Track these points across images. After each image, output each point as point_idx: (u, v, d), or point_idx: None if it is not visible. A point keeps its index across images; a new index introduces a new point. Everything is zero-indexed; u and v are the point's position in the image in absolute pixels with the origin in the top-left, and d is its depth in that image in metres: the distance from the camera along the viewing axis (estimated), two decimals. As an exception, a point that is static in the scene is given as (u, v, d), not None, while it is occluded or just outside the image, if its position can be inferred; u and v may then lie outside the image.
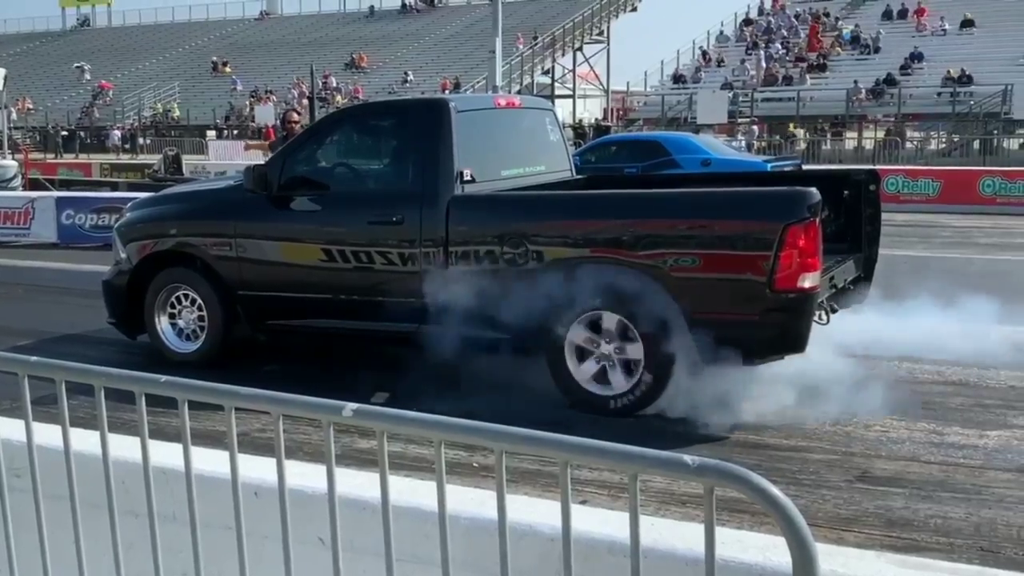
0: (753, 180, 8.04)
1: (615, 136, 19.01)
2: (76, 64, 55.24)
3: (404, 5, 58.76)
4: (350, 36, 55.51)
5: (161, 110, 48.55)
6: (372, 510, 2.19)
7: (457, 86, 43.94)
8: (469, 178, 6.40)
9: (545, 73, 49.55)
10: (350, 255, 6.59)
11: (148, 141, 43.03)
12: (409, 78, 46.92)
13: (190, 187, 8.60)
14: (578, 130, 33.91)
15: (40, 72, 56.04)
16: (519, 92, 46.71)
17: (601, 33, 51.47)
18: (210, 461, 2.60)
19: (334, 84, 47.57)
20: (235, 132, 42.67)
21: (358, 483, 2.64)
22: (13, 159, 15.40)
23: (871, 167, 7.93)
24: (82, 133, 46.17)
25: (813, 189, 5.49)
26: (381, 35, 54.93)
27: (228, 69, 52.67)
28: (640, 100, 39.40)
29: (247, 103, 46.47)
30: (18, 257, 12.81)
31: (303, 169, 6.93)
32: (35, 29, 65.77)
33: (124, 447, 2.55)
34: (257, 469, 2.64)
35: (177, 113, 47.53)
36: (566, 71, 51.52)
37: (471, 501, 2.56)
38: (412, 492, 2.63)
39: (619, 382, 5.81)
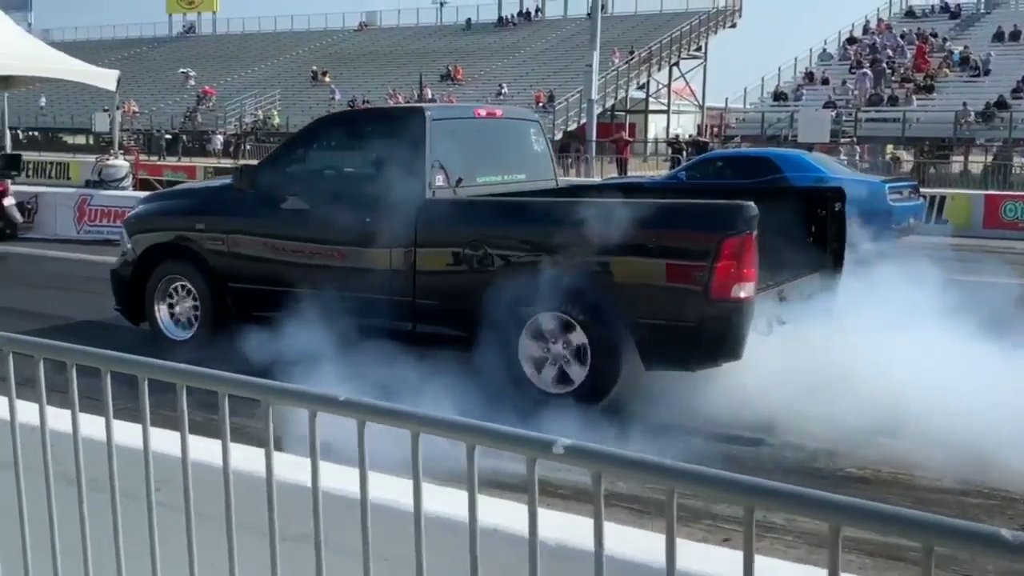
0: (711, 194, 7.94)
1: (722, 152, 18.66)
2: (181, 70, 56.74)
3: (501, 18, 59.03)
4: (447, 48, 55.96)
5: (262, 117, 49.47)
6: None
7: (551, 99, 43.92)
8: (441, 183, 6.75)
9: (640, 88, 49.25)
10: (327, 253, 7.03)
11: (249, 147, 43.87)
12: (503, 90, 47.05)
13: (191, 185, 8.95)
14: (675, 145, 33.49)
15: (146, 77, 57.66)
16: (612, 106, 46.65)
17: (699, 49, 50.99)
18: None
19: (429, 95, 47.96)
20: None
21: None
22: (124, 160, 15.71)
23: (837, 187, 8.05)
24: (185, 137, 47.34)
25: (751, 203, 5.71)
26: (477, 47, 55.28)
27: (327, 78, 53.51)
28: (738, 117, 38.77)
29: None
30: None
31: (290, 170, 7.39)
32: (143, 35, 67.81)
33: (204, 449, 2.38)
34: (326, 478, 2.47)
35: (277, 120, 48.39)
36: (660, 86, 51.13)
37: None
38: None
39: (577, 374, 6.07)
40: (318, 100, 51.03)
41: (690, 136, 39.86)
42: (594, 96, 33.26)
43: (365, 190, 7.02)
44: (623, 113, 50.06)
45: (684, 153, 30.08)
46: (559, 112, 42.19)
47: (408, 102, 47.22)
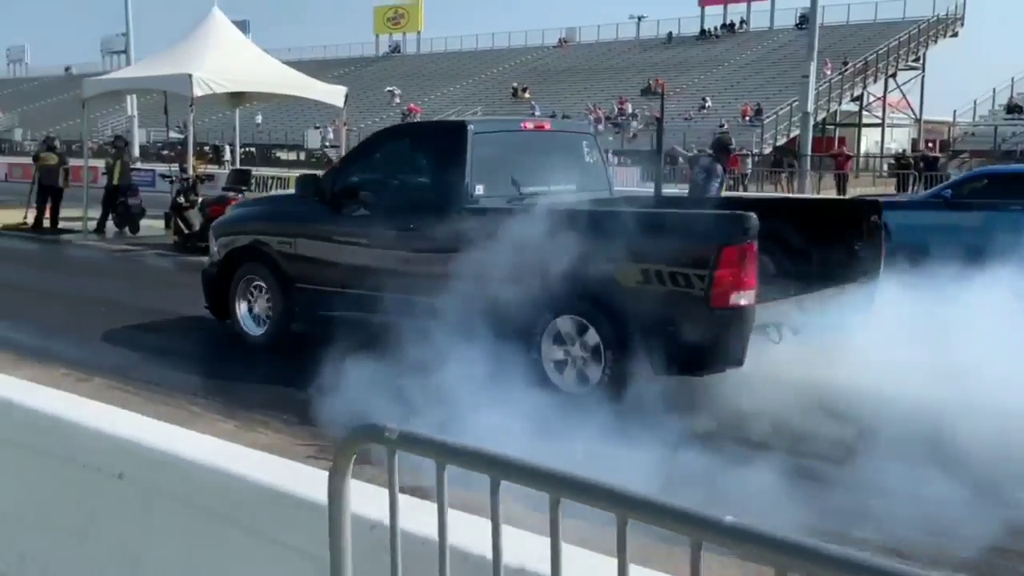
0: (729, 205, 8.02)
1: (988, 169, 17.01)
2: (387, 88, 58.34)
3: (703, 31, 57.73)
4: (647, 62, 55.14)
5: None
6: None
7: (759, 112, 42.38)
8: (481, 192, 7.03)
9: (854, 100, 46.89)
10: (380, 257, 7.43)
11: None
12: (707, 104, 45.84)
13: (270, 194, 9.68)
14: (902, 161, 31.34)
15: (355, 95, 59.17)
16: (823, 119, 44.53)
17: (917, 59, 48.12)
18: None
19: (630, 110, 47.30)
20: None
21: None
22: None
23: (874, 199, 8.04)
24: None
25: (751, 214, 5.82)
26: (679, 61, 54.23)
27: (527, 95, 53.72)
28: (966, 131, 36.08)
29: (545, 127, 46.98)
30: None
31: (349, 180, 7.84)
32: (351, 55, 70.28)
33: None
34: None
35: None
36: (872, 98, 48.50)
37: None
38: None
39: (594, 374, 6.26)
40: (520, 116, 51.30)
41: (912, 152, 37.38)
42: (810, 108, 31.61)
43: (412, 198, 7.52)
44: (832, 127, 47.77)
45: (910, 169, 28.06)
46: (767, 126, 40.60)
47: (607, 117, 46.88)
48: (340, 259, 7.77)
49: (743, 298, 5.82)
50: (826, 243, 6.96)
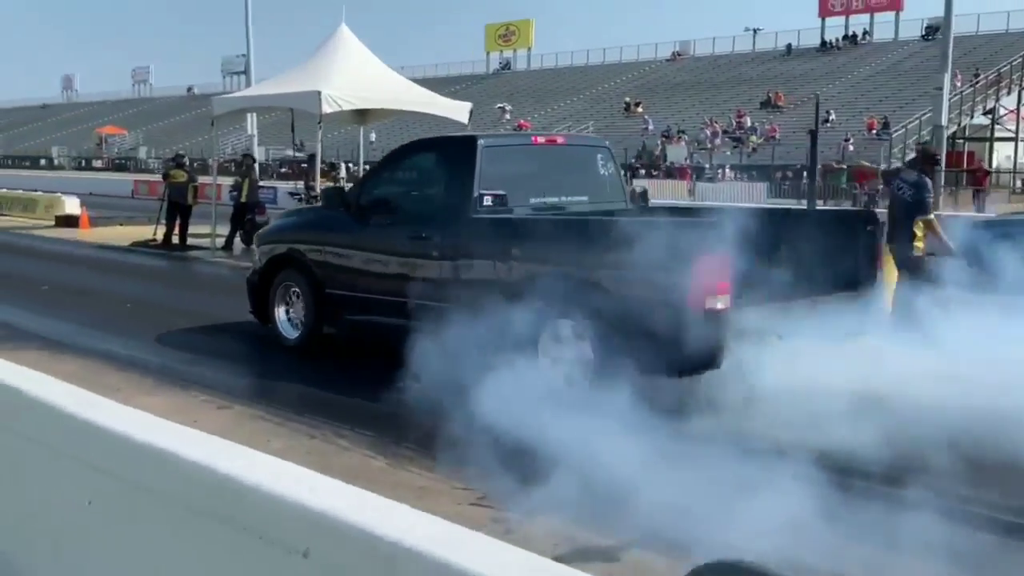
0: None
1: None
2: (498, 105, 58.31)
3: (824, 42, 56.13)
4: (765, 75, 53.86)
5: (575, 148, 49.50)
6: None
7: (886, 125, 40.80)
8: (489, 202, 7.35)
9: (986, 113, 44.74)
10: (397, 264, 7.90)
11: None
12: (831, 117, 44.30)
13: (307, 206, 9.84)
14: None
15: (466, 112, 59.67)
16: (954, 133, 42.55)
17: (1057, 69, 45.65)
18: None
19: (748, 124, 46.13)
20: (650, 171, 42.39)
21: None
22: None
23: (869, 210, 8.53)
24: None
25: (726, 223, 6.09)
26: (798, 73, 52.77)
27: (640, 109, 52.99)
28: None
29: (659, 142, 46.23)
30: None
31: (372, 192, 8.32)
32: (463, 72, 70.64)
33: None
34: None
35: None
36: (1005, 111, 46.17)
37: None
38: None
39: (584, 373, 6.51)
40: (632, 131, 50.59)
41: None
42: (944, 121, 30.08)
43: (427, 208, 7.86)
44: (963, 141, 45.66)
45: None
46: (896, 139, 39.00)
47: (724, 131, 45.80)
48: (363, 266, 8.28)
49: (719, 303, 6.15)
50: (821, 252, 6.96)
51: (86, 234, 21.07)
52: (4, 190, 29.74)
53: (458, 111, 16.56)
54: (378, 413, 6.66)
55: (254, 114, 21.60)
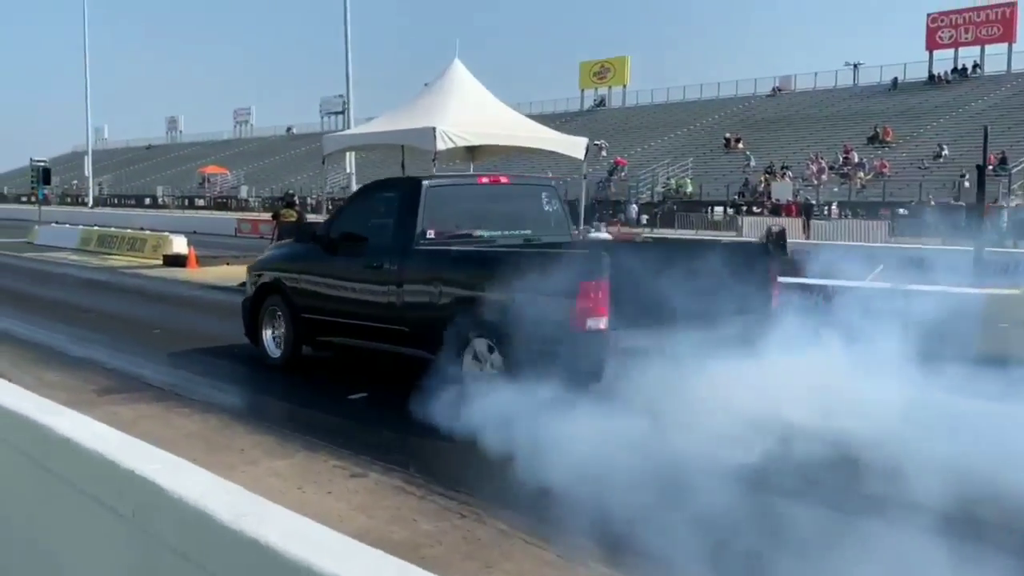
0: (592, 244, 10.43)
1: None
2: (595, 142, 57.72)
3: (932, 76, 54.30)
4: (869, 110, 52.29)
5: (674, 185, 48.72)
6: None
7: (1003, 161, 38.92)
8: (432, 236, 8.41)
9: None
10: (356, 290, 8.87)
11: (661, 214, 43.10)
12: (943, 152, 42.62)
13: (291, 241, 10.76)
14: None
15: (562, 149, 59.23)
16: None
17: None
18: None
19: (856, 159, 44.62)
20: (751, 208, 41.22)
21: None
22: (606, 231, 14.25)
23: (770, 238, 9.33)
24: (596, 204, 47.59)
25: (604, 254, 7.19)
26: (905, 108, 51.03)
27: (741, 145, 51.86)
28: None
29: (761, 179, 45.02)
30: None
31: (337, 227, 9.27)
32: (556, 110, 70.35)
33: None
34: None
35: (690, 188, 47.34)
36: None
37: None
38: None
39: (499, 385, 6.89)
40: (732, 167, 49.48)
41: None
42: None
43: (381, 241, 8.72)
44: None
45: None
46: (1015, 175, 37.20)
47: (831, 167, 44.38)
48: (329, 292, 9.29)
49: (599, 323, 6.94)
50: (714, 280, 7.30)
51: (194, 273, 20.94)
52: (113, 228, 30.15)
53: (574, 147, 15.96)
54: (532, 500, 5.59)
55: (353, 152, 21.30)
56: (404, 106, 16.49)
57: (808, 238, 30.15)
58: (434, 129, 14.04)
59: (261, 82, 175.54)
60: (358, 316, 8.77)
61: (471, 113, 15.01)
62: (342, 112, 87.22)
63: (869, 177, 42.72)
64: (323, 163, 16.45)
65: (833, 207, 39.17)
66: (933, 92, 52.69)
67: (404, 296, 8.31)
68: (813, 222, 34.58)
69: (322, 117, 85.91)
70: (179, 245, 24.19)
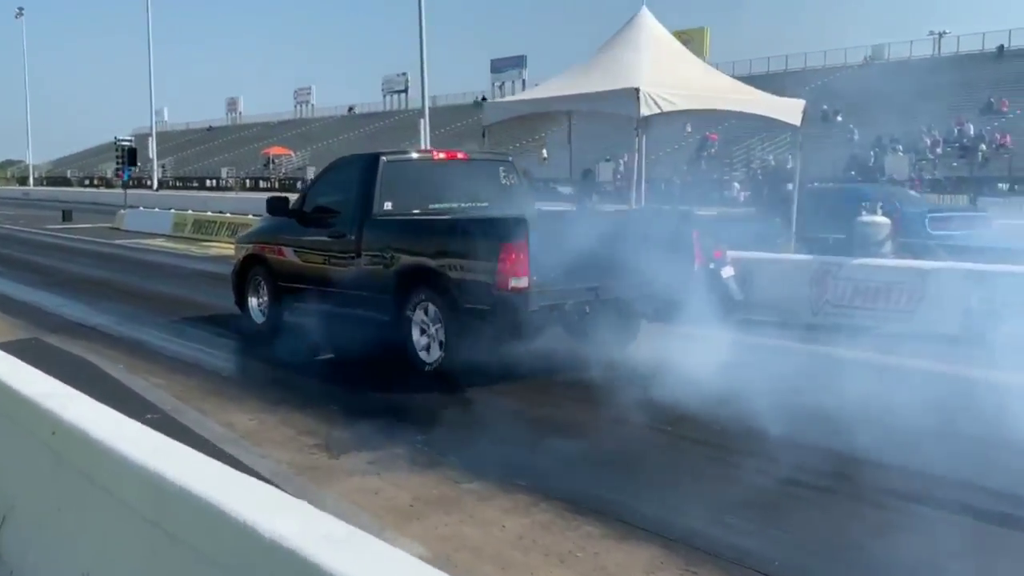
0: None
1: None
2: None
3: (1043, 42, 50.96)
4: (974, 79, 49.02)
5: (773, 161, 46.05)
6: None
7: None
8: (389, 207, 9.12)
9: None
10: (323, 260, 9.62)
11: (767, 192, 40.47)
12: (1072, 122, 39.57)
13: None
14: None
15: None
16: None
17: None
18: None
19: (972, 131, 41.68)
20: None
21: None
22: (883, 217, 11.67)
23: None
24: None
25: (523, 217, 7.85)
26: (1015, 76, 47.75)
27: (840, 118, 49.00)
28: None
29: (871, 153, 42.28)
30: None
31: (308, 200, 10.10)
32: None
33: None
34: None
35: (790, 164, 44.60)
36: None
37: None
38: None
39: (435, 352, 8.29)
40: (833, 141, 46.62)
41: None
42: None
43: (345, 212, 9.38)
44: None
45: None
46: None
47: (945, 140, 41.50)
48: (301, 262, 9.92)
49: (520, 282, 7.58)
50: (636, 245, 8.04)
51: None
52: (210, 213, 28.12)
53: (790, 111, 13.66)
54: None
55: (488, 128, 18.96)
56: (579, 67, 14.15)
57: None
58: (637, 91, 11.79)
59: (321, 61, 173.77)
60: (326, 284, 9.35)
61: (673, 72, 12.71)
62: (405, 91, 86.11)
63: (989, 150, 39.84)
64: (483, 136, 14.19)
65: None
66: (1044, 60, 49.40)
67: (362, 264, 8.97)
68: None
69: (384, 96, 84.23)
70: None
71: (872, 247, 10.95)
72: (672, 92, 12.27)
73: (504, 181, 10.07)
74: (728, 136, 51.43)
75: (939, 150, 41.12)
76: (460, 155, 10.30)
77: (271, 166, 73.36)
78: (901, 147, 41.85)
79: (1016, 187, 35.45)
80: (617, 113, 12.51)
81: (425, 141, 39.66)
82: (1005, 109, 44.00)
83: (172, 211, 30.11)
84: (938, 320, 9.23)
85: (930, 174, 38.03)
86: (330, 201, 9.68)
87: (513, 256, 7.52)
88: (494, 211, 9.32)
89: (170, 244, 24.37)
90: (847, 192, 17.29)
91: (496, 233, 7.73)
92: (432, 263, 8.19)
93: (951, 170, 38.65)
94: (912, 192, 24.38)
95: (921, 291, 9.57)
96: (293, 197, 10.77)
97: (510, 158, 10.74)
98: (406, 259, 8.50)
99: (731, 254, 10.68)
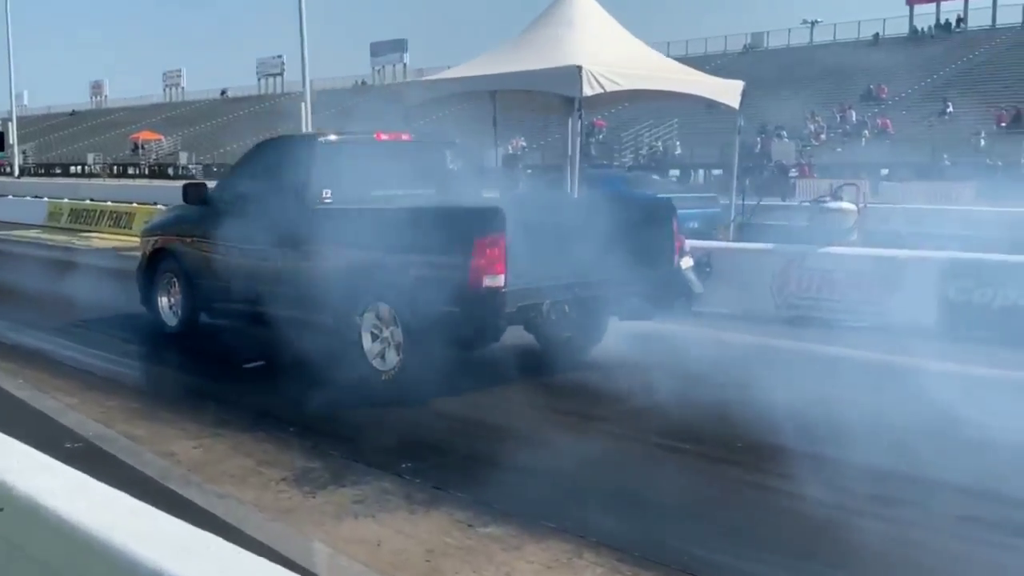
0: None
1: None
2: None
3: (915, 30, 52.72)
4: (852, 67, 50.25)
5: (660, 148, 46.24)
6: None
7: (1017, 118, 37.40)
8: (328, 196, 8.04)
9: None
10: (249, 255, 8.46)
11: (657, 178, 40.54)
12: (948, 109, 40.84)
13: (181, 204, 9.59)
14: None
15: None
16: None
17: None
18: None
19: (854, 118, 42.61)
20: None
21: None
22: (848, 204, 11.11)
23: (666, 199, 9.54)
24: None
25: (500, 209, 6.85)
26: (890, 64, 49.04)
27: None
28: None
29: (757, 140, 42.73)
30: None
31: (230, 188, 9.01)
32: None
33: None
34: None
35: (679, 151, 44.89)
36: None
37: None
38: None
39: (392, 359, 7.30)
40: (717, 128, 46.95)
41: None
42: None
43: (275, 203, 8.20)
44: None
45: None
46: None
47: (825, 125, 42.32)
48: (222, 257, 8.81)
49: (496, 280, 6.70)
50: (614, 237, 7.26)
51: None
52: (88, 201, 25.98)
53: (728, 92, 13.15)
54: None
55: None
56: (508, 43, 13.28)
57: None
58: (579, 69, 11.02)
59: (191, 44, 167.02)
60: (251, 282, 8.37)
61: (611, 51, 11.98)
62: (281, 74, 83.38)
63: (871, 136, 40.79)
64: (404, 119, 13.15)
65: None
66: (917, 48, 50.96)
67: (299, 260, 7.95)
68: (883, 184, 32.46)
69: (259, 79, 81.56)
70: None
71: (837, 235, 10.47)
72: (615, 71, 11.55)
73: (451, 165, 9.24)
74: (616, 122, 51.34)
75: (823, 136, 41.87)
76: (404, 136, 9.42)
77: (140, 151, 69.96)
78: (786, 133, 42.43)
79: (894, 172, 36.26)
80: (555, 92, 11.73)
81: (307, 125, 38.16)
82: (884, 96, 45.13)
83: (45, 199, 27.86)
84: (913, 311, 8.79)
85: (817, 160, 38.74)
86: (256, 189, 8.55)
87: (488, 251, 6.66)
88: (451, 199, 8.44)
89: (47, 236, 22.37)
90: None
91: (469, 225, 6.86)
92: (387, 259, 7.16)
93: (835, 156, 39.43)
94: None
95: (896, 281, 9.10)
96: (206, 184, 9.51)
97: (457, 140, 9.82)
98: (353, 254, 7.44)
99: (689, 243, 10.02)
